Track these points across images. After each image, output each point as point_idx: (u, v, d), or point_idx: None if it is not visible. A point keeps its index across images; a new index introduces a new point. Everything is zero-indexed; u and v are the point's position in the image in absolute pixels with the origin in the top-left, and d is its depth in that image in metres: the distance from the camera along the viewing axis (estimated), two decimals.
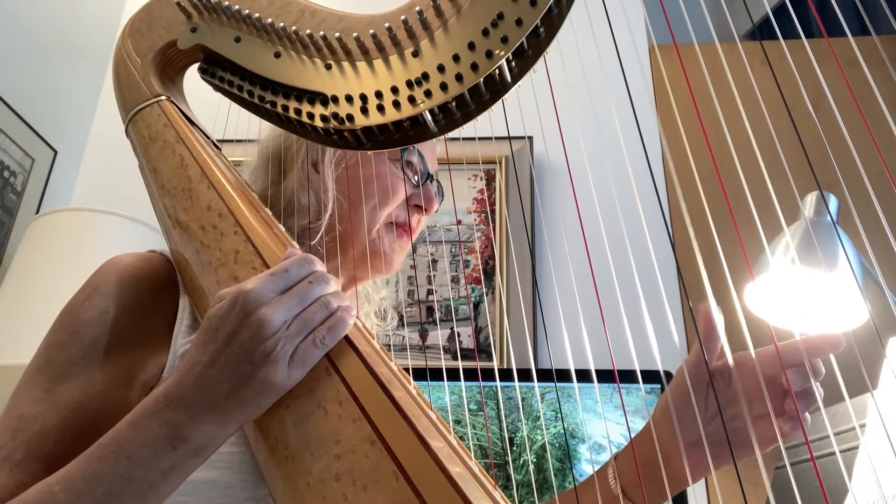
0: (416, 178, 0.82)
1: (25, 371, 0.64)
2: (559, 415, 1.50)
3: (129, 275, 0.68)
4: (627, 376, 1.50)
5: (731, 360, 0.63)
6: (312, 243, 0.77)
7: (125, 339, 0.65)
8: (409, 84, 0.63)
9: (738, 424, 0.65)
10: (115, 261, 0.69)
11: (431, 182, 0.84)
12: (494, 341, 1.65)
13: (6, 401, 0.63)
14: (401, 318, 0.96)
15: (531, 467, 1.43)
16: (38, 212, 1.74)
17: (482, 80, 0.61)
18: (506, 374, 1.55)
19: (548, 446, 1.47)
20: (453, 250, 1.76)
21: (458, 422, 1.40)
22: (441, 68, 0.63)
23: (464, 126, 0.65)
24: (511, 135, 1.65)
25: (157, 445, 0.52)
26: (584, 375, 1.41)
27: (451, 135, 0.66)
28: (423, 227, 0.87)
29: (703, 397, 0.65)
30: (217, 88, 0.77)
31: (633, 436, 0.71)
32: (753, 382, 0.63)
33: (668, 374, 1.48)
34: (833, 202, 1.14)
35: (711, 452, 0.64)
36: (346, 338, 0.57)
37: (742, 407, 0.63)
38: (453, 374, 1.52)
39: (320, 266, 0.58)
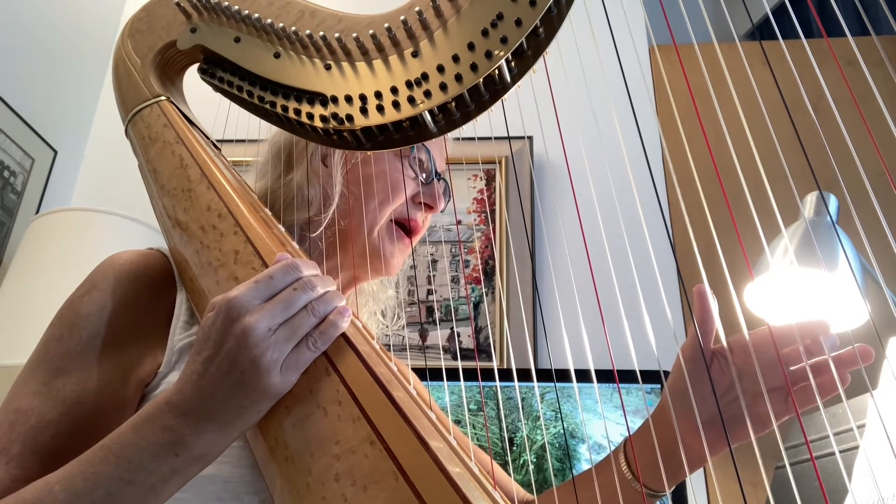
0: (423, 175, 0.82)
1: (25, 364, 0.64)
2: (559, 415, 1.50)
3: (128, 271, 0.68)
4: (627, 376, 1.50)
5: (724, 342, 0.64)
6: (313, 236, 0.77)
7: (122, 335, 0.65)
8: (409, 84, 0.63)
9: (749, 401, 0.65)
10: (113, 257, 0.70)
11: (439, 181, 0.84)
12: (494, 341, 1.65)
13: (2, 401, 0.63)
14: (397, 318, 0.96)
15: (531, 467, 1.43)
16: (38, 212, 1.74)
17: (482, 80, 0.61)
18: (505, 375, 1.55)
19: (547, 446, 1.47)
20: (453, 250, 1.76)
21: (457, 422, 1.40)
22: (440, 69, 0.63)
23: (463, 126, 0.65)
24: (511, 135, 1.65)
25: (158, 451, 0.52)
26: (583, 375, 1.42)
27: (450, 135, 0.66)
28: (428, 225, 0.87)
29: (707, 378, 0.65)
30: (217, 89, 0.77)
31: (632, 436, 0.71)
32: (763, 359, 0.64)
33: (668, 374, 1.48)
34: (833, 202, 1.14)
35: (728, 429, 0.64)
36: (346, 338, 0.57)
37: (758, 379, 0.63)
38: (453, 374, 1.52)
39: (308, 270, 0.58)
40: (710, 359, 0.65)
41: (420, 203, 0.82)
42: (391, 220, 0.81)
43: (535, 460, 1.44)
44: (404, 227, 0.82)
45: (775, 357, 0.63)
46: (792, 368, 0.64)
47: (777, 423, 0.61)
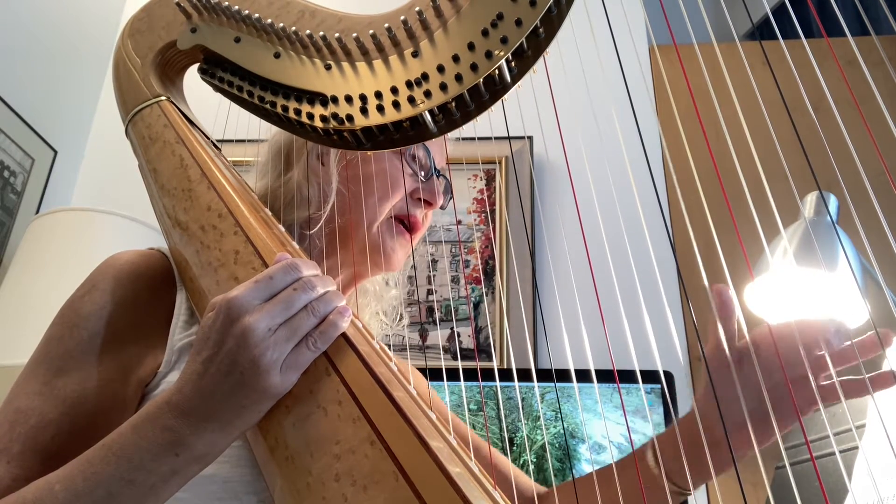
0: (421, 172, 0.82)
1: (26, 364, 0.64)
2: (559, 415, 1.50)
3: (128, 271, 0.68)
4: (627, 376, 1.50)
5: (747, 336, 0.64)
6: (310, 233, 0.77)
7: (122, 335, 0.65)
8: (409, 84, 0.63)
9: (777, 394, 0.64)
10: (114, 257, 0.70)
11: (438, 177, 0.84)
12: (494, 341, 1.65)
13: (3, 401, 0.63)
14: (400, 317, 0.96)
15: (531, 467, 1.43)
16: (38, 212, 1.74)
17: (482, 80, 0.61)
18: (506, 374, 1.55)
19: (548, 446, 1.47)
20: (453, 250, 1.76)
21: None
22: (440, 69, 0.63)
23: (463, 126, 0.65)
24: (511, 135, 1.65)
25: (158, 451, 0.52)
26: (583, 375, 1.42)
27: (451, 135, 0.66)
28: (430, 223, 0.87)
29: (731, 378, 0.65)
30: (217, 89, 0.77)
31: (632, 436, 0.71)
32: (786, 352, 0.63)
33: (668, 374, 1.48)
34: (833, 202, 1.14)
35: (755, 430, 0.64)
36: (346, 338, 0.57)
37: (792, 367, 0.62)
38: (453, 374, 1.52)
39: (308, 270, 0.58)
40: (738, 357, 0.65)
41: (419, 199, 0.82)
42: (391, 217, 0.81)
43: (535, 460, 1.44)
44: (404, 223, 0.82)
45: (800, 347, 0.62)
46: (819, 354, 0.63)
47: (820, 406, 0.62)
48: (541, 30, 0.62)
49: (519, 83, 0.63)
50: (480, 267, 1.75)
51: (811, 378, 0.62)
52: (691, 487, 0.67)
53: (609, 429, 1.46)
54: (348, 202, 0.78)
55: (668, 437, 0.70)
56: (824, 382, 0.64)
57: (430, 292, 1.73)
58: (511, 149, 1.81)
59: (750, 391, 0.65)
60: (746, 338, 0.66)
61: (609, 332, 0.64)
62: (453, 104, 0.63)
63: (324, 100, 0.67)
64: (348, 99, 0.65)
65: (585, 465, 1.45)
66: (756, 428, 0.63)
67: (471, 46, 0.62)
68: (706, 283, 0.60)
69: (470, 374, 1.52)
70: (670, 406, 1.44)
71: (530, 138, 1.81)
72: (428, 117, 0.63)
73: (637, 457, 0.71)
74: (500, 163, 1.83)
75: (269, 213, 0.73)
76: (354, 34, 0.67)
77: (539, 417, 1.50)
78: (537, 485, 0.84)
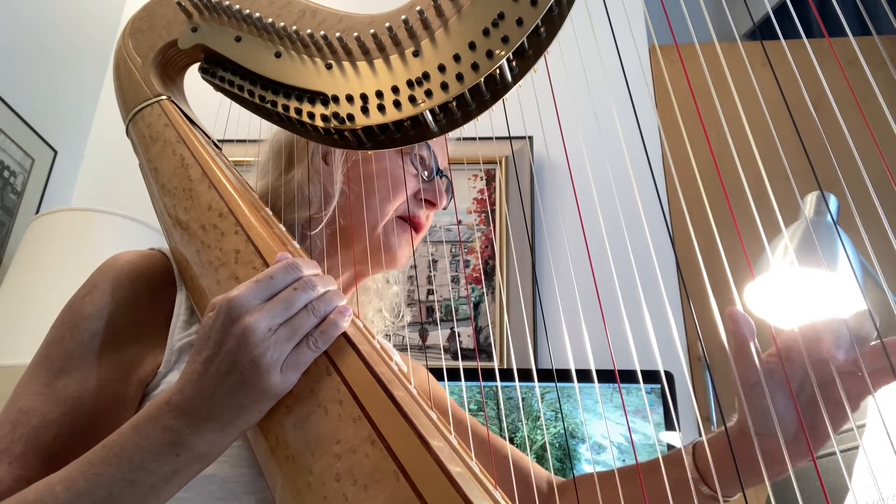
0: (425, 173, 0.82)
1: (28, 365, 0.65)
2: (559, 415, 1.50)
3: (128, 272, 0.68)
4: (627, 376, 1.50)
5: (757, 347, 0.62)
6: (312, 234, 0.77)
7: (122, 335, 0.65)
8: (410, 84, 0.63)
9: (816, 400, 0.61)
10: (114, 258, 0.70)
11: (441, 177, 0.84)
12: (494, 341, 1.65)
13: (6, 401, 0.63)
14: (401, 315, 0.96)
15: None
16: (38, 212, 1.74)
17: (483, 79, 0.61)
18: (506, 374, 1.55)
19: (548, 446, 1.47)
20: (453, 250, 1.76)
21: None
22: (442, 68, 0.63)
23: (464, 126, 0.65)
24: (511, 135, 1.65)
25: (159, 451, 0.52)
26: (584, 375, 1.41)
27: (451, 134, 0.66)
28: (431, 223, 0.87)
29: (772, 393, 0.62)
30: (217, 88, 0.77)
31: (633, 436, 0.70)
32: (814, 357, 0.60)
33: (668, 374, 1.48)
34: (833, 202, 1.14)
35: (810, 433, 0.62)
36: (347, 338, 0.57)
37: (820, 370, 0.59)
38: (453, 374, 1.52)
39: (309, 270, 0.58)
40: (768, 371, 0.63)
41: (422, 200, 0.82)
42: (397, 216, 0.81)
43: (535, 460, 1.44)
44: (407, 223, 0.82)
45: (824, 352, 0.59)
46: (846, 354, 0.61)
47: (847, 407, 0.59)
48: (542, 29, 0.62)
49: (520, 83, 0.63)
50: (480, 267, 1.75)
51: (840, 377, 0.60)
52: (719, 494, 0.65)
53: (609, 429, 1.46)
54: (351, 202, 0.78)
55: (711, 446, 0.67)
56: (866, 372, 0.62)
57: (430, 292, 1.73)
58: (512, 148, 1.81)
59: (788, 401, 0.62)
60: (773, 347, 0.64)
61: (609, 332, 0.64)
62: (454, 103, 0.63)
63: (324, 99, 0.67)
64: (349, 98, 0.65)
65: (586, 465, 1.45)
66: (810, 436, 0.62)
67: (472, 46, 0.62)
68: (707, 282, 0.60)
69: (470, 374, 1.52)
70: (670, 406, 1.44)
71: (531, 138, 1.81)
72: (429, 116, 0.63)
73: (673, 460, 0.69)
74: (500, 162, 1.83)
75: (270, 213, 0.73)
76: (355, 33, 0.67)
77: (539, 417, 1.50)
78: (550, 474, 0.84)
